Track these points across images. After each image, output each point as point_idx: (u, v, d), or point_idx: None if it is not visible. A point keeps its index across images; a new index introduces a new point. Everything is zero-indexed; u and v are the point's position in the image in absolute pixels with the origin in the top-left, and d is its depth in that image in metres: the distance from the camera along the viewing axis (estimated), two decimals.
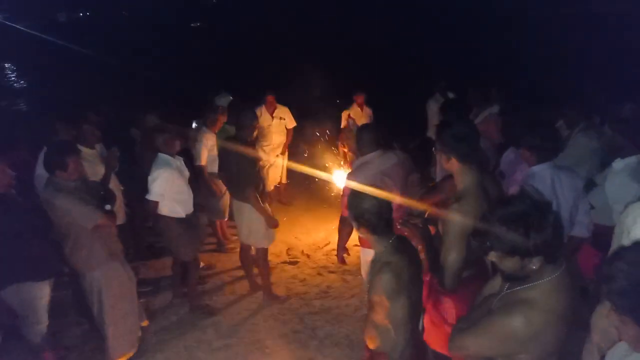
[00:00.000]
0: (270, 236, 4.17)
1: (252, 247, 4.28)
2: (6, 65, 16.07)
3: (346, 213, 3.29)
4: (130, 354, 3.50)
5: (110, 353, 3.40)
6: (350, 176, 3.27)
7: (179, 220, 3.88)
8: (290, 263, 5.08)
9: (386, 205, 2.07)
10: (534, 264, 1.59)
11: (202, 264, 4.67)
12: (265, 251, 4.25)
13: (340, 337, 3.78)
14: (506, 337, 1.64)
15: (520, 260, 1.61)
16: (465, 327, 1.84)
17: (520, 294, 1.66)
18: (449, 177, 2.66)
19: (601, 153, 4.18)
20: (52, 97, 8.91)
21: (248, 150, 3.87)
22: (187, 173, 4.01)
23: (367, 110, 6.73)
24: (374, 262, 2.08)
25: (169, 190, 3.75)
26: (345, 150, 6.23)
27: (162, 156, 3.79)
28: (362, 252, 3.58)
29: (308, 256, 5.21)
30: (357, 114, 6.54)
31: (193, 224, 4.03)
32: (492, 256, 1.66)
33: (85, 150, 3.78)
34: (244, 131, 3.95)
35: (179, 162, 3.95)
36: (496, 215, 1.61)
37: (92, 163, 3.91)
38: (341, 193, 3.47)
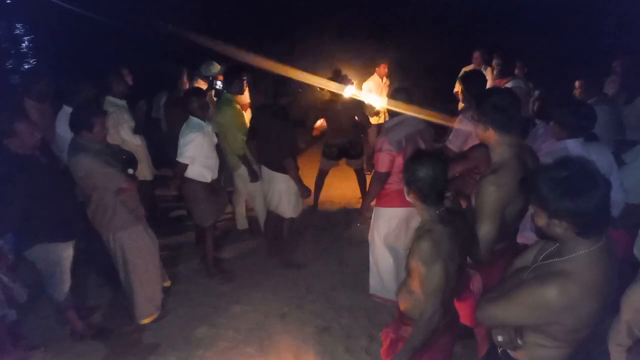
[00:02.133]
0: (300, 206, 4.22)
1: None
2: (17, 25, 15.90)
3: (380, 169, 3.32)
4: (155, 316, 3.56)
5: (136, 314, 3.47)
6: (385, 134, 3.30)
7: (205, 185, 3.89)
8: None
9: (442, 177, 2.02)
10: (560, 227, 1.57)
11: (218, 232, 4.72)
12: (292, 221, 4.28)
13: (357, 308, 3.81)
14: (538, 307, 1.61)
15: (547, 218, 1.59)
16: (495, 296, 1.82)
17: (556, 266, 1.64)
18: (478, 146, 2.60)
19: (615, 128, 4.10)
20: (70, 56, 8.82)
21: (288, 120, 3.89)
22: (215, 139, 4.00)
23: (388, 82, 6.60)
24: (417, 229, 2.06)
25: (198, 155, 3.75)
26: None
27: (195, 120, 3.76)
28: (376, 210, 3.56)
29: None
30: (377, 84, 6.41)
31: (216, 190, 4.05)
32: (531, 208, 1.67)
33: (120, 102, 4.01)
34: (283, 99, 3.94)
35: (210, 127, 3.93)
36: (548, 169, 1.59)
37: (124, 113, 4.03)
38: (375, 148, 3.45)
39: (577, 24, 9.02)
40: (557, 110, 2.99)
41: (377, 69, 6.49)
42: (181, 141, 3.70)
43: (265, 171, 4.14)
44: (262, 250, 4.65)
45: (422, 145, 3.32)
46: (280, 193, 4.08)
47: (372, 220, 3.67)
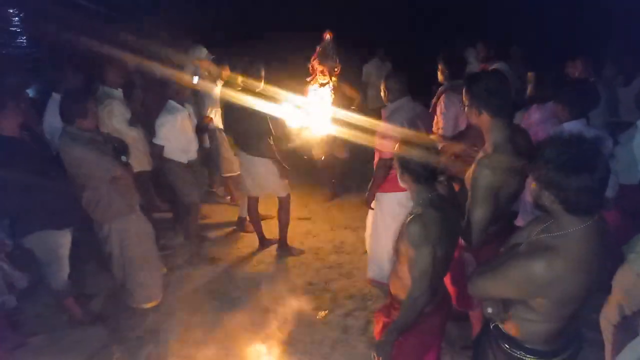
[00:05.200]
0: (287, 185, 4.22)
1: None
2: (10, 10, 15.65)
3: (384, 155, 3.31)
4: (158, 300, 3.60)
5: (139, 299, 3.51)
6: (387, 120, 3.31)
7: (182, 164, 4.02)
8: (304, 219, 5.11)
9: (434, 155, 2.04)
10: (548, 199, 1.60)
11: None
12: (287, 200, 4.26)
13: (354, 291, 3.85)
14: (525, 280, 1.65)
15: (537, 188, 1.63)
16: (486, 269, 1.86)
17: (545, 241, 1.67)
18: (471, 127, 2.60)
19: (610, 109, 4.10)
20: (59, 43, 8.71)
21: (261, 103, 3.83)
22: (194, 121, 4.13)
23: (389, 64, 6.60)
24: (409, 214, 2.07)
25: (174, 136, 3.88)
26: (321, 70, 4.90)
27: (172, 103, 3.91)
28: (380, 196, 3.55)
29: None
30: (378, 68, 6.41)
31: (195, 169, 4.18)
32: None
33: (115, 92, 4.01)
34: (254, 82, 3.88)
35: (189, 109, 4.06)
36: (559, 141, 1.60)
37: (119, 103, 4.02)
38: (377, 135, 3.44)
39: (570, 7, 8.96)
40: (559, 90, 2.97)
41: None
42: (156, 123, 3.84)
43: (241, 155, 4.13)
44: (254, 238, 4.64)
45: (423, 129, 3.30)
46: (260, 175, 4.09)
47: (375, 206, 3.66)
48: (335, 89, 4.71)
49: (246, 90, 3.90)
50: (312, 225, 4.93)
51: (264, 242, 4.54)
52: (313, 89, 4.67)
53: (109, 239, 3.32)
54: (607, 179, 1.56)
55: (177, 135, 3.89)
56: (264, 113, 3.86)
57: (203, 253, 4.35)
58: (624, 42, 5.02)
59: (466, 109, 2.22)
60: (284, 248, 4.42)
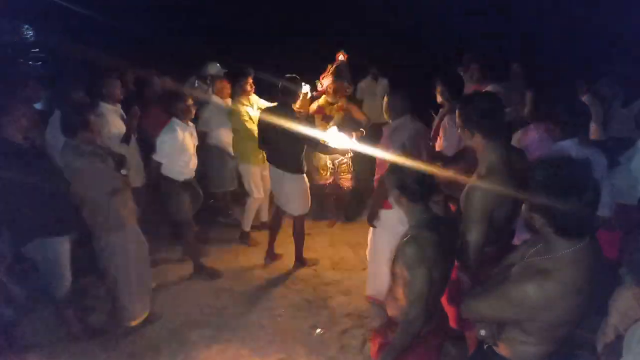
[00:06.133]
0: (308, 204, 4.27)
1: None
2: (25, 26, 16.00)
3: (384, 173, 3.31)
4: (144, 316, 3.59)
5: (125, 316, 3.49)
6: (385, 141, 3.33)
7: (178, 182, 3.99)
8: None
9: (429, 175, 2.06)
10: (538, 222, 1.62)
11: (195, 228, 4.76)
12: (303, 218, 4.31)
13: (351, 308, 3.82)
14: (517, 303, 1.65)
15: (528, 210, 1.65)
16: (479, 291, 1.87)
17: (538, 264, 1.67)
18: (467, 148, 2.62)
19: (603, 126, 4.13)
20: (67, 59, 8.80)
21: (294, 122, 3.87)
22: (196, 141, 4.11)
23: (383, 81, 6.63)
24: (403, 235, 2.07)
25: (174, 155, 3.87)
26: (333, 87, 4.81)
27: (176, 121, 3.89)
28: (383, 213, 3.49)
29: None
30: (370, 86, 6.45)
31: (192, 188, 4.13)
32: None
33: (108, 106, 3.98)
34: (288, 100, 3.99)
35: (192, 129, 4.05)
36: (548, 164, 1.63)
37: (115, 119, 4.03)
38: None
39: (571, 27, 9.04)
40: (553, 109, 3.00)
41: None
42: (158, 140, 3.84)
43: (274, 171, 4.18)
44: (254, 253, 4.69)
45: (423, 148, 3.34)
46: (289, 193, 4.14)
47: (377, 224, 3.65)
48: (345, 110, 4.76)
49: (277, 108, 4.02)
50: (311, 240, 4.92)
51: (272, 255, 4.56)
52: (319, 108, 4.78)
53: (105, 251, 3.33)
54: (597, 201, 1.57)
55: (176, 154, 3.88)
56: (299, 133, 3.86)
57: (203, 268, 4.34)
58: (626, 63, 5.05)
59: (460, 130, 2.23)
60: (300, 261, 4.45)
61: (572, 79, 4.38)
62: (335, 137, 4.15)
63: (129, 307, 3.48)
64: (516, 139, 3.47)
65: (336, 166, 5.01)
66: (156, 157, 3.85)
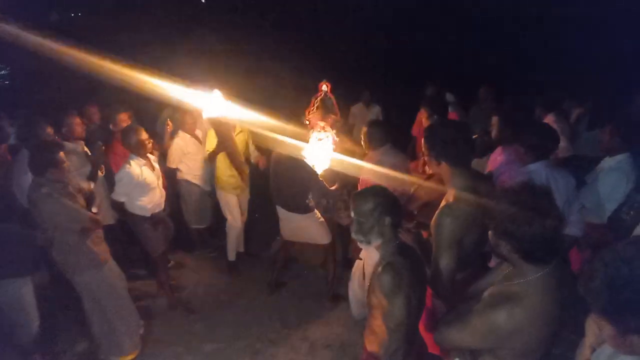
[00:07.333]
0: (327, 232, 4.11)
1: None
2: None
3: None
4: (134, 355, 3.49)
5: (119, 351, 3.41)
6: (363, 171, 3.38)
7: (146, 218, 3.85)
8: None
9: (397, 205, 2.06)
10: (505, 249, 1.65)
11: (171, 263, 4.74)
12: (331, 247, 4.17)
13: (332, 340, 3.76)
14: (488, 332, 1.66)
15: (494, 238, 1.68)
16: (451, 319, 1.86)
17: (507, 289, 1.68)
18: (432, 176, 2.65)
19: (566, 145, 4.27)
20: (30, 96, 8.53)
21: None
22: (158, 173, 3.95)
23: (375, 108, 6.69)
24: (376, 264, 2.05)
25: (133, 192, 3.73)
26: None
27: (132, 156, 3.74)
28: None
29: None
30: (361, 112, 6.50)
31: (161, 221, 3.98)
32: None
33: (70, 145, 3.85)
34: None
35: (152, 161, 3.89)
36: (508, 193, 1.66)
37: (80, 157, 3.93)
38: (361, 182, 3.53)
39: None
40: (522, 133, 3.05)
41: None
42: (116, 178, 3.72)
43: (281, 211, 4.07)
44: (235, 285, 4.60)
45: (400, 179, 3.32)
46: (303, 229, 4.04)
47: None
48: (337, 144, 4.67)
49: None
50: (296, 265, 4.86)
51: (277, 283, 4.48)
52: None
53: (83, 291, 3.23)
54: (561, 227, 1.60)
55: (136, 190, 3.74)
56: (307, 171, 3.59)
57: (181, 302, 4.24)
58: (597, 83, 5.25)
59: (427, 159, 2.26)
60: (336, 298, 4.26)
61: (534, 102, 4.53)
62: (314, 150, 3.93)
63: (123, 342, 3.41)
64: (484, 162, 3.54)
65: (331, 204, 4.91)
66: (114, 196, 3.73)
